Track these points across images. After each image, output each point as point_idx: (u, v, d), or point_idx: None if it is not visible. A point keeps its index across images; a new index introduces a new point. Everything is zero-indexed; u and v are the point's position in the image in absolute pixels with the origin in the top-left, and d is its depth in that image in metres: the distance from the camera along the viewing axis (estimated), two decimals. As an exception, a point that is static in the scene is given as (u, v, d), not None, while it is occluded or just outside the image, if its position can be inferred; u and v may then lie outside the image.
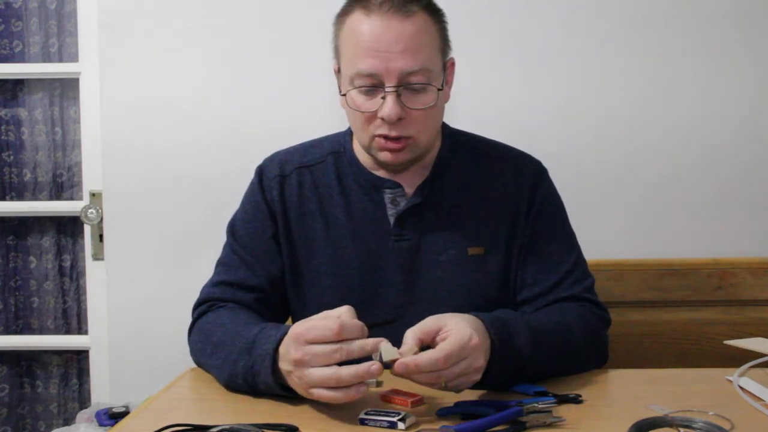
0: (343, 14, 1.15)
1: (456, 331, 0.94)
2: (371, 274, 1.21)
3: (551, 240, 1.24)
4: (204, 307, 1.20)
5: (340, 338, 0.89)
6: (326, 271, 1.22)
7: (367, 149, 1.19)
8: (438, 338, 0.95)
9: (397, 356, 0.90)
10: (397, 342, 0.94)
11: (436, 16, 1.16)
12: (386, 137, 1.13)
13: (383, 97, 1.11)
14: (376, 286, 1.21)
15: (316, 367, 0.89)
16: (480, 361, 0.94)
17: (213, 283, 1.23)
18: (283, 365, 0.94)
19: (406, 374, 0.91)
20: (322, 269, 1.22)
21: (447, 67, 1.20)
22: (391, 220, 1.22)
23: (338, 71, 1.19)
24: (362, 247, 1.21)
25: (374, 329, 1.10)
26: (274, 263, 1.23)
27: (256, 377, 0.99)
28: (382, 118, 1.11)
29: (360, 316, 1.19)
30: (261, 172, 1.28)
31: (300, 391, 0.94)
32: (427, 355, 0.90)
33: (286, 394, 0.97)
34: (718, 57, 1.77)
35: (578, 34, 1.78)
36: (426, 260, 1.21)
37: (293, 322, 1.23)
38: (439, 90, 1.14)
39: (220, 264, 1.26)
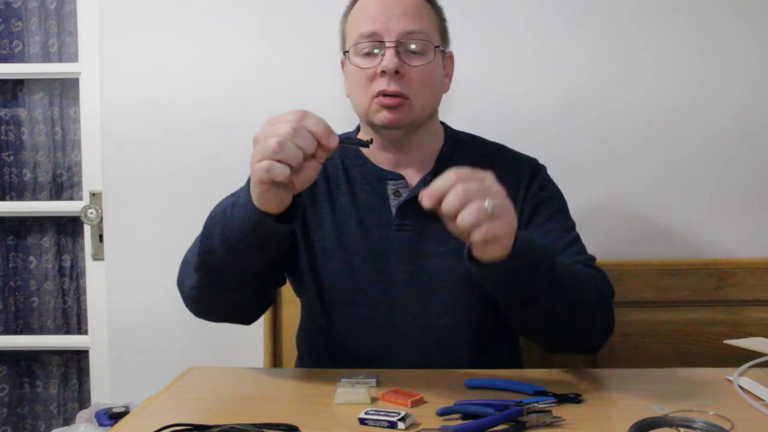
0: (351, 4, 1.26)
1: None
2: (375, 261, 1.23)
3: (547, 223, 1.24)
4: None
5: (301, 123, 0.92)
6: (332, 254, 1.24)
7: (367, 115, 1.22)
8: None
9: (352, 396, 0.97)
10: (398, 323, 1.17)
11: (434, 5, 1.26)
12: (385, 94, 1.17)
13: (383, 54, 1.17)
14: (379, 273, 1.23)
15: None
16: (496, 185, 0.93)
17: None
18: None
19: (431, 204, 0.92)
20: (329, 250, 1.25)
21: (446, 57, 1.27)
22: (393, 211, 1.24)
23: (343, 64, 1.26)
24: (366, 233, 1.24)
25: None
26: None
27: (235, 207, 1.01)
28: (383, 72, 1.16)
29: (365, 300, 1.23)
30: None
31: (252, 175, 0.96)
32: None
33: (259, 219, 0.98)
34: (720, 54, 1.77)
35: (577, 34, 1.78)
36: (427, 250, 1.23)
37: (300, 299, 1.32)
38: (436, 47, 1.20)
39: None
